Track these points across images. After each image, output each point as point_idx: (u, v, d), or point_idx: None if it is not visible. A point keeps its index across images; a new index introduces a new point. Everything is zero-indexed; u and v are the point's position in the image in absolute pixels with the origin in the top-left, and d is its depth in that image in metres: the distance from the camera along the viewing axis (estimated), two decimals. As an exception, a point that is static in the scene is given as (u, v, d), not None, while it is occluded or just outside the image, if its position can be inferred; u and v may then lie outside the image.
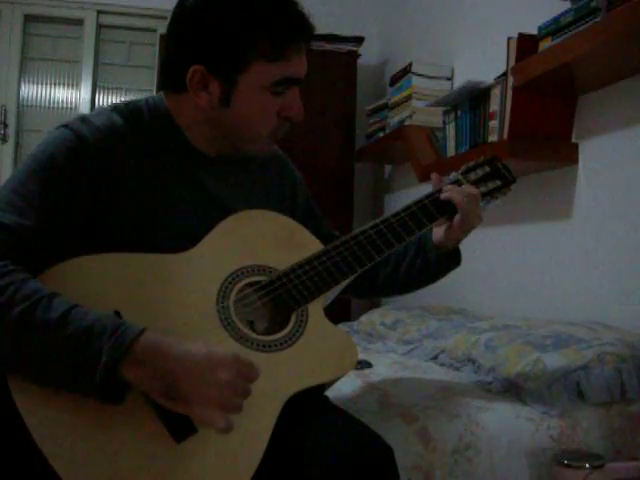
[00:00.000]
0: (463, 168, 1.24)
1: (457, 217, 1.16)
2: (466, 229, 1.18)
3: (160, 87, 1.10)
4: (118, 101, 1.10)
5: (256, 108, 1.03)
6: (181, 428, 0.86)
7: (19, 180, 0.95)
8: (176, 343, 0.85)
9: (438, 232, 1.21)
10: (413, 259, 1.23)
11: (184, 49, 1.02)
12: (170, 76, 1.06)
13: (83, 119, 1.02)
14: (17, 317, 0.82)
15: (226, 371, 0.83)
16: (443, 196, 1.16)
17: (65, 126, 1.01)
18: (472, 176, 1.23)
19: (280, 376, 0.95)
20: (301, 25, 1.02)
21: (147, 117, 1.07)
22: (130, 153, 1.02)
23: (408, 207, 1.15)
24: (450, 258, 1.23)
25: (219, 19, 0.99)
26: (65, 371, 0.82)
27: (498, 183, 1.24)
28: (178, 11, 1.04)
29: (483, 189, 1.22)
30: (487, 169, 1.24)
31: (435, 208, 1.16)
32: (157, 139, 1.06)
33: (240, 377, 0.84)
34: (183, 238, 1.02)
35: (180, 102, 1.06)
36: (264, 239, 1.08)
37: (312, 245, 1.10)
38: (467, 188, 1.18)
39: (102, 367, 0.80)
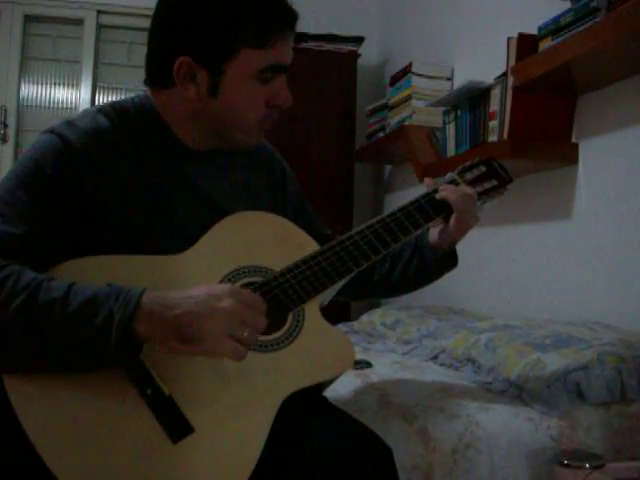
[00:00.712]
0: (459, 168, 1.24)
1: (453, 217, 1.16)
2: (462, 229, 1.18)
3: (146, 84, 1.09)
4: (101, 103, 1.10)
5: (244, 97, 1.03)
6: (178, 428, 0.87)
7: (6, 188, 0.95)
8: (177, 291, 0.89)
9: (434, 233, 1.21)
10: (409, 260, 1.23)
11: (169, 41, 1.02)
12: (156, 71, 1.06)
13: (68, 123, 1.02)
14: (22, 305, 0.83)
15: (228, 300, 0.87)
16: (439, 196, 1.16)
17: (51, 131, 1.00)
18: (468, 176, 1.23)
19: (278, 375, 0.95)
20: (285, 11, 1.02)
21: (133, 116, 1.07)
22: (118, 154, 1.02)
23: (404, 207, 1.15)
24: (446, 259, 1.23)
25: (203, 8, 0.99)
26: (80, 341, 0.84)
27: (494, 183, 1.24)
28: (161, 3, 1.04)
29: (479, 189, 1.22)
30: (483, 169, 1.24)
31: (431, 207, 1.16)
32: (144, 138, 1.06)
33: (243, 304, 0.88)
34: (175, 236, 1.02)
35: (167, 97, 1.06)
36: (261, 240, 1.08)
37: (308, 245, 1.10)
38: (463, 188, 1.18)
39: (116, 326, 0.83)
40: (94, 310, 0.84)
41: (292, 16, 1.03)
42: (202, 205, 1.07)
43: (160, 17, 1.04)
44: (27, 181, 0.95)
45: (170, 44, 1.02)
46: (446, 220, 1.17)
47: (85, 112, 1.06)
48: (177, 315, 0.85)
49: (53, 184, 0.96)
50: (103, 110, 1.06)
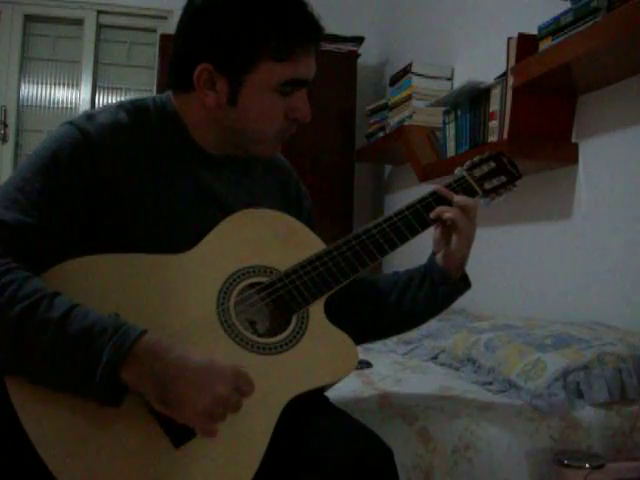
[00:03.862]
0: (468, 164, 1.21)
1: (456, 237, 1.10)
2: (468, 245, 1.12)
3: (168, 86, 1.10)
4: (122, 99, 1.10)
5: (262, 108, 1.03)
6: (180, 432, 0.86)
7: (23, 177, 0.95)
8: (177, 348, 0.84)
9: (440, 258, 1.14)
10: (419, 287, 1.16)
11: (192, 47, 1.02)
12: (178, 75, 1.06)
13: (88, 116, 1.02)
14: (18, 315, 0.82)
15: (224, 386, 0.82)
16: (433, 214, 1.10)
17: (70, 123, 1.00)
18: (477, 172, 1.19)
19: (280, 379, 0.95)
20: (310, 26, 1.02)
21: (153, 115, 1.07)
22: (135, 151, 1.02)
23: (412, 205, 1.13)
24: (459, 281, 1.17)
25: (228, 18, 0.99)
26: (65, 371, 0.82)
27: (503, 179, 1.20)
28: (187, 9, 1.04)
29: (488, 185, 1.19)
30: (492, 165, 1.21)
31: (437, 206, 1.14)
32: (162, 138, 1.06)
33: (238, 392, 0.84)
34: (185, 238, 1.01)
35: (187, 101, 1.06)
36: (266, 239, 1.07)
37: (314, 244, 1.10)
38: (460, 201, 1.12)
39: (102, 367, 0.80)
40: (85, 344, 0.82)
41: (317, 31, 1.03)
42: (215, 206, 1.07)
43: (185, 22, 1.04)
44: (43, 170, 0.95)
45: (193, 50, 1.02)
46: (447, 242, 1.12)
47: (106, 107, 1.06)
48: (167, 376, 0.81)
49: (69, 175, 0.96)
50: (124, 106, 1.06)
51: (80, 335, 0.82)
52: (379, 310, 1.20)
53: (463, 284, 1.18)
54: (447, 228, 1.13)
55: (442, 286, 1.15)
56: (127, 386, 0.82)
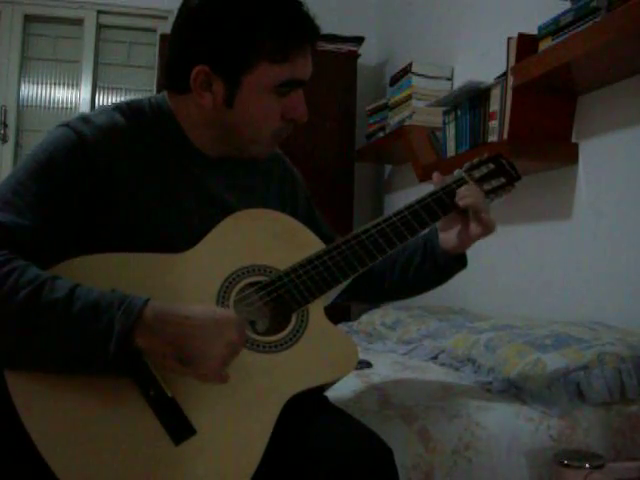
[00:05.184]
0: (467, 165, 1.21)
1: (476, 222, 1.12)
2: (486, 233, 1.14)
3: (164, 87, 1.10)
4: (118, 101, 1.10)
5: (259, 109, 1.03)
6: (180, 430, 0.87)
7: (18, 179, 0.95)
8: (182, 307, 0.88)
9: (449, 238, 1.17)
10: (420, 264, 1.20)
11: (188, 49, 1.02)
12: (174, 76, 1.06)
13: (84, 118, 1.02)
14: (23, 301, 0.83)
15: (234, 331, 0.88)
16: (462, 203, 1.12)
17: (66, 125, 1.00)
18: (476, 173, 1.19)
19: (280, 377, 0.95)
20: (306, 26, 1.02)
21: (149, 117, 1.07)
22: (131, 153, 1.02)
23: (411, 206, 1.13)
24: (457, 261, 1.20)
25: (224, 19, 0.99)
26: (78, 348, 0.83)
27: (502, 181, 1.20)
28: (183, 10, 1.04)
29: (487, 187, 1.19)
30: (491, 166, 1.21)
31: (439, 207, 1.14)
32: (159, 139, 1.06)
33: (243, 336, 0.90)
34: (183, 239, 1.01)
35: (183, 102, 1.06)
36: (265, 238, 1.07)
37: (313, 244, 1.10)
38: (480, 192, 1.15)
39: (116, 336, 0.82)
40: (95, 317, 0.84)
41: (313, 31, 1.03)
42: (214, 208, 1.07)
43: (181, 24, 1.04)
44: (39, 173, 0.95)
45: (189, 52, 1.02)
46: (464, 223, 1.14)
47: (101, 109, 1.06)
48: (179, 335, 0.85)
49: (64, 177, 0.96)
50: (119, 108, 1.06)
51: (88, 310, 0.84)
52: (381, 286, 1.26)
53: (461, 265, 1.22)
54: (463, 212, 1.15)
55: (444, 267, 1.20)
56: (142, 352, 0.85)
